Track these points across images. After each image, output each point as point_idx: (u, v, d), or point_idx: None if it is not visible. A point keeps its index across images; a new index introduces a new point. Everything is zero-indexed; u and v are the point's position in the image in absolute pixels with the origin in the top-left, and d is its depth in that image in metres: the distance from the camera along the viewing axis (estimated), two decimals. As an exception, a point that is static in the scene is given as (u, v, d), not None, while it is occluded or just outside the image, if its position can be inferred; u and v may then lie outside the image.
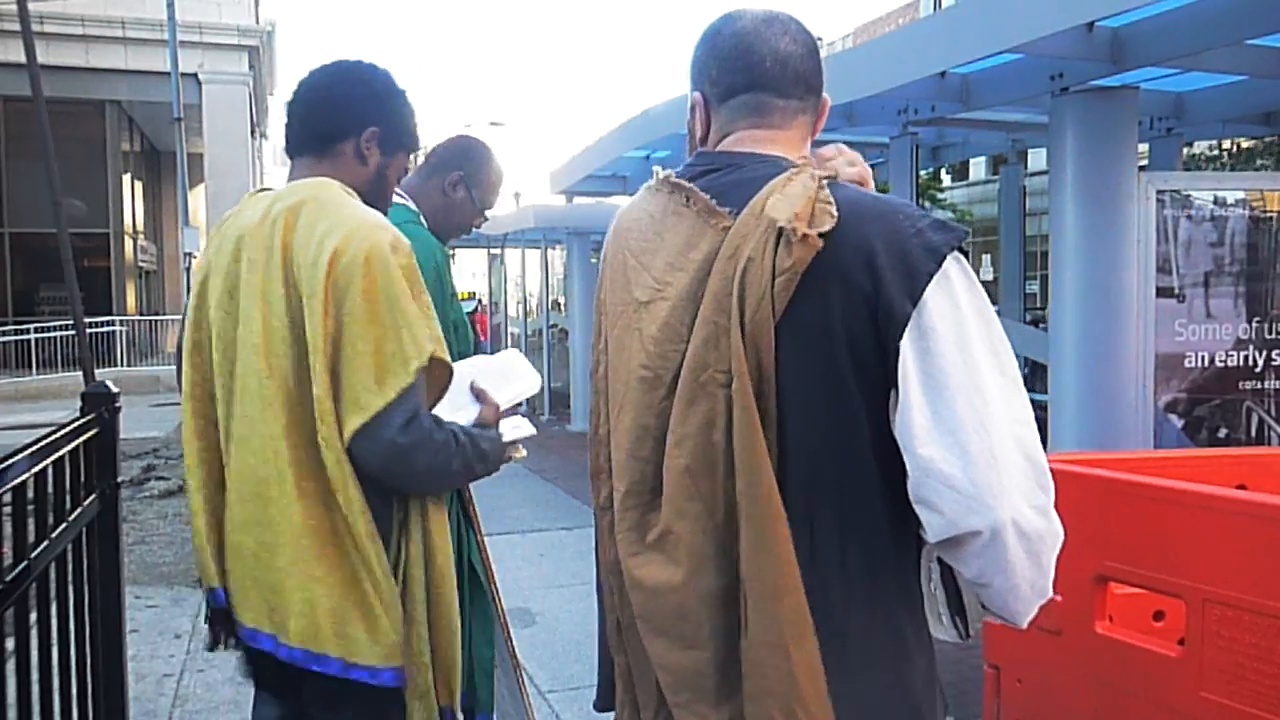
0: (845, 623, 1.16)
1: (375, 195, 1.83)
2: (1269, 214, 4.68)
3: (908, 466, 1.13)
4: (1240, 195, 4.67)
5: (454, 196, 2.41)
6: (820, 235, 1.14)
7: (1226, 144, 16.36)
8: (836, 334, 1.15)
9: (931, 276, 1.13)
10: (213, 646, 1.76)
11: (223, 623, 1.72)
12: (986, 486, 1.09)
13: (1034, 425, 1.15)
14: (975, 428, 1.10)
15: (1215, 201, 4.60)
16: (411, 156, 1.93)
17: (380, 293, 1.58)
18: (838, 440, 1.16)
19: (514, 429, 1.91)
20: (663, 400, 1.24)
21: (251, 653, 1.69)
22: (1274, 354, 4.64)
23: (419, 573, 1.69)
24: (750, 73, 1.32)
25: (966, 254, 1.19)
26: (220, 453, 1.72)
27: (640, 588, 1.24)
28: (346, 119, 1.80)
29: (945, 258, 1.14)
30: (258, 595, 1.66)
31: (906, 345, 1.12)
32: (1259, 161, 16.14)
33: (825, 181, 1.21)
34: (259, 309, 1.65)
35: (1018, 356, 1.24)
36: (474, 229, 2.50)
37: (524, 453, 1.95)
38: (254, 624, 1.67)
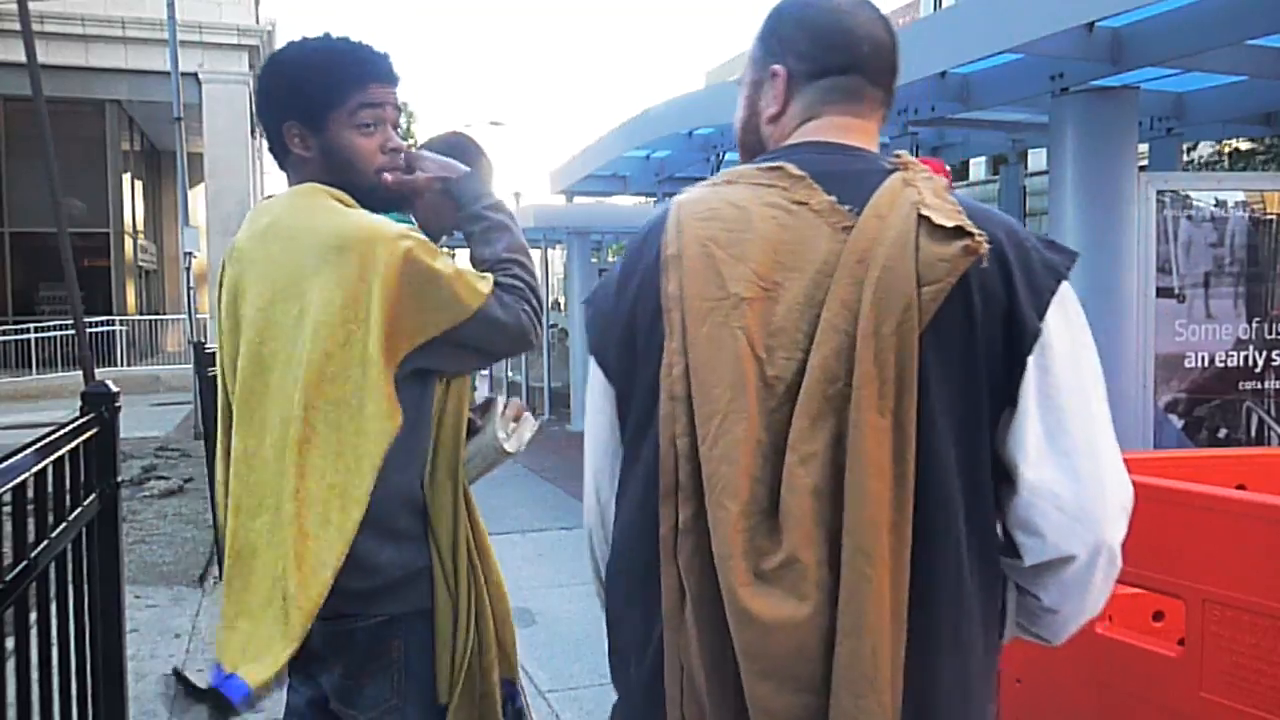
0: (971, 645, 1.12)
1: (339, 172, 1.72)
2: (1269, 215, 4.68)
3: (1017, 487, 1.10)
4: (1240, 196, 4.67)
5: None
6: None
7: (1226, 150, 16.38)
8: (979, 346, 1.10)
9: (1053, 294, 1.12)
10: None
11: None
12: (1092, 511, 1.09)
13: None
14: (1086, 451, 1.10)
15: (1215, 202, 4.61)
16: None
17: (421, 271, 1.62)
18: (971, 458, 1.11)
19: (518, 425, 1.93)
20: (774, 412, 1.11)
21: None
22: (1274, 354, 4.65)
23: (475, 556, 1.71)
24: (849, 53, 1.25)
25: None
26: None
27: (753, 623, 1.08)
28: (272, 134, 1.75)
29: (1064, 278, 1.13)
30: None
31: (1032, 362, 1.10)
32: (1258, 158, 16.14)
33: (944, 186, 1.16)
34: (290, 333, 1.59)
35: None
36: None
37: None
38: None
